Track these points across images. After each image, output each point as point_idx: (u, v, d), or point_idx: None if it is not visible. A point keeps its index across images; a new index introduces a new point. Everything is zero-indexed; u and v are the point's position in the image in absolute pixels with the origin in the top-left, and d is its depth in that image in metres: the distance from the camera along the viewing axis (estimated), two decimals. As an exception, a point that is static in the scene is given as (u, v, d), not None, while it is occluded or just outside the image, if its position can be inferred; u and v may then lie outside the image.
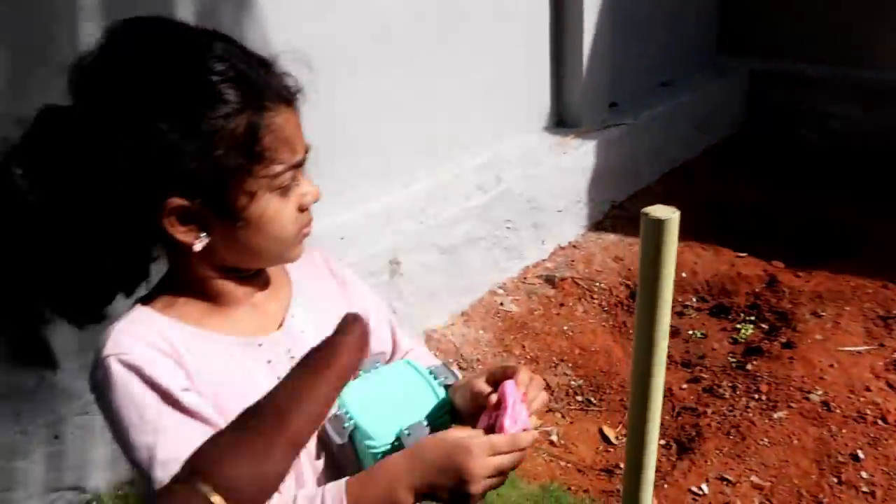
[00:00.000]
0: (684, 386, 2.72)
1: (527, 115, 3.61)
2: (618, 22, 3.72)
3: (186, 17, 2.16)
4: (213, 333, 0.89)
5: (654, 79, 4.34)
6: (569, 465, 2.39)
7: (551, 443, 2.49)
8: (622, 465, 2.36)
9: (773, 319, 2.97)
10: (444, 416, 0.98)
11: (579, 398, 2.71)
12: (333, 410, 0.93)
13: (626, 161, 3.79)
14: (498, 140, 3.46)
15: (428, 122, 3.02)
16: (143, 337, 0.84)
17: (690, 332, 3.04)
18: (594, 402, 2.70)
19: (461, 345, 2.90)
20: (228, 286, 0.91)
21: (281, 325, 0.95)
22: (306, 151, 0.88)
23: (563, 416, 2.62)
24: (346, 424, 0.92)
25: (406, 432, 0.92)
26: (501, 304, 3.16)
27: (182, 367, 0.84)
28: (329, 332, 0.92)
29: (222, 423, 0.77)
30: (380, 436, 0.92)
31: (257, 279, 0.95)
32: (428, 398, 0.97)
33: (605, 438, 2.52)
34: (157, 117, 0.77)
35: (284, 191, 0.86)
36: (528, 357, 2.88)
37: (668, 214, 0.76)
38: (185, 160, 0.78)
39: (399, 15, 2.81)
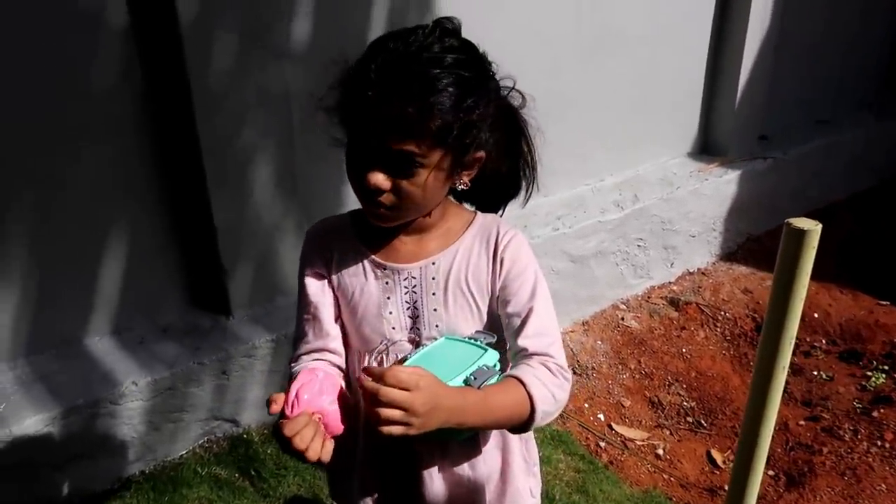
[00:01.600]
0: (802, 423, 2.69)
1: (673, 138, 3.65)
2: (781, 55, 3.67)
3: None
4: (362, 247, 1.17)
5: (812, 115, 4.22)
6: (672, 478, 2.46)
7: (657, 456, 2.57)
8: (727, 488, 2.40)
9: (910, 372, 2.87)
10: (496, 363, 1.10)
11: (690, 419, 2.76)
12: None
13: (768, 195, 3.74)
14: (640, 160, 3.53)
15: (573, 135, 3.11)
16: (322, 230, 1.22)
17: (816, 372, 2.98)
18: (705, 424, 2.74)
19: (578, 352, 3.02)
20: None
21: (415, 263, 1.14)
22: (385, 144, 0.99)
23: (671, 434, 2.68)
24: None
25: (472, 377, 1.06)
26: (622, 318, 3.24)
27: (328, 260, 1.18)
28: (457, 289, 1.15)
29: (321, 305, 1.17)
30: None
31: (421, 222, 1.14)
32: (473, 354, 1.10)
33: (712, 461, 2.56)
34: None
35: (356, 161, 1.05)
36: (643, 372, 2.95)
37: (811, 226, 0.81)
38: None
39: (557, 28, 2.91)
